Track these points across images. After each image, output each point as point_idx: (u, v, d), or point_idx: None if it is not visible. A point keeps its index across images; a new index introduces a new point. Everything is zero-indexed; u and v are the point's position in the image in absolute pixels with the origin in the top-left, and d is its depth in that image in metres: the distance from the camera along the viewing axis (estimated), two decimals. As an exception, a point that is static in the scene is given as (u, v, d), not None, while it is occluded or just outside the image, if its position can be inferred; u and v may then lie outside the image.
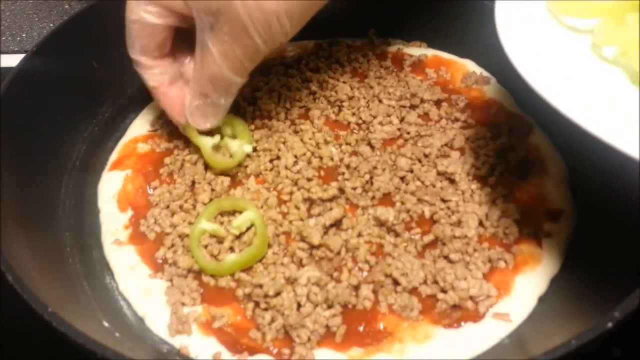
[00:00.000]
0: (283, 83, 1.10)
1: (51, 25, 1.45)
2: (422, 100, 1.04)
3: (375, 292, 0.81)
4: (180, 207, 0.92)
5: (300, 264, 0.84)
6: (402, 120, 1.02)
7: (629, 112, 0.64)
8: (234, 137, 0.98)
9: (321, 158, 0.96)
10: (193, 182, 0.96)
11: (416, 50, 1.17)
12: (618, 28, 0.71)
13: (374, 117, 1.02)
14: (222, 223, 0.89)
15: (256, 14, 0.78)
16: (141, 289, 0.85)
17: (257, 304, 0.80)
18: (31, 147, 0.92)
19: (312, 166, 0.95)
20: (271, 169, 0.96)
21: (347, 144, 0.99)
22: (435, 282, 0.81)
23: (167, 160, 0.99)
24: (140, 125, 1.08)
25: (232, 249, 0.86)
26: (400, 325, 0.78)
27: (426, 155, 0.96)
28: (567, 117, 0.61)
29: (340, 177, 0.93)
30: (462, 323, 0.78)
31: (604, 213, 0.83)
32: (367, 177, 0.93)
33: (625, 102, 0.65)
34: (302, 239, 0.85)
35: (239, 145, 0.97)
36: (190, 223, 0.90)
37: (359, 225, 0.87)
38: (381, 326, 0.78)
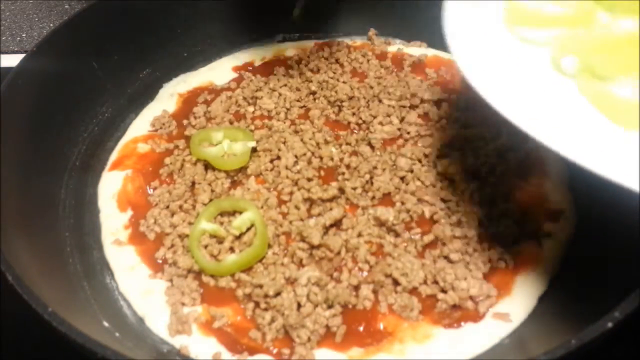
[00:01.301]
0: (283, 83, 1.10)
1: (51, 25, 1.45)
2: (422, 100, 1.04)
3: (375, 292, 0.81)
4: (180, 207, 0.92)
5: (300, 264, 0.84)
6: (402, 120, 1.02)
7: (585, 125, 0.63)
8: (235, 141, 0.99)
9: (321, 158, 0.96)
10: (193, 183, 0.96)
11: (416, 50, 1.17)
12: (579, 37, 0.70)
13: (374, 117, 1.02)
14: (222, 223, 0.89)
15: None
16: (141, 289, 0.85)
17: (257, 304, 0.80)
18: (31, 147, 0.92)
19: (312, 166, 0.95)
20: (271, 169, 0.96)
21: (347, 144, 0.99)
22: (435, 282, 0.81)
23: (167, 160, 1.00)
24: (140, 125, 1.08)
25: (232, 249, 0.86)
26: (401, 325, 0.78)
27: (426, 155, 0.96)
28: (523, 129, 0.61)
29: (340, 177, 0.93)
30: (462, 323, 0.78)
31: (604, 213, 0.83)
32: (367, 177, 0.93)
33: (581, 116, 0.65)
34: (302, 239, 0.85)
35: (242, 145, 0.97)
36: (190, 223, 0.90)
37: (359, 225, 0.87)
38: (381, 326, 0.78)
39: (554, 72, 0.70)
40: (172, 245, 0.88)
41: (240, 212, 0.89)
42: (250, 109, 1.06)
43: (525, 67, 0.71)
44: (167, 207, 0.93)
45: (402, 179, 0.93)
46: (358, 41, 1.21)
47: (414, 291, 0.81)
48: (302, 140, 0.99)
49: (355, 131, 1.02)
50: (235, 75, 1.16)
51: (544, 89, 0.68)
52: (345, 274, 0.82)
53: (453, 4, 0.75)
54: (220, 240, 0.87)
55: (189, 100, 1.11)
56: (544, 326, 0.76)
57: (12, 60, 1.14)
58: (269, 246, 0.86)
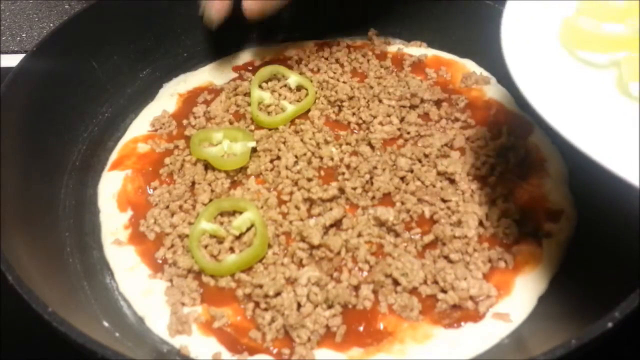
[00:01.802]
0: (283, 83, 1.10)
1: (51, 25, 1.45)
2: (422, 100, 1.04)
3: (375, 292, 0.81)
4: (180, 207, 0.92)
5: (300, 264, 0.84)
6: (402, 120, 1.02)
7: None
8: (235, 141, 0.99)
9: (321, 158, 0.96)
10: (193, 183, 0.96)
11: (416, 50, 1.17)
12: None
13: (374, 117, 1.02)
14: (222, 223, 0.89)
15: None
16: (141, 289, 0.85)
17: (257, 304, 0.81)
18: (31, 147, 0.92)
19: (312, 166, 0.95)
20: (271, 169, 0.96)
21: (347, 144, 0.99)
22: (435, 282, 0.81)
23: (167, 160, 1.00)
24: (140, 125, 1.08)
25: (232, 250, 0.86)
26: (401, 325, 0.78)
27: (426, 155, 0.96)
28: (592, 158, 0.59)
29: (340, 177, 0.93)
30: (462, 323, 0.78)
31: (604, 213, 0.83)
32: (367, 177, 0.93)
33: None
34: (302, 239, 0.85)
35: (242, 145, 0.97)
36: (190, 223, 0.90)
37: (359, 225, 0.87)
38: (381, 326, 0.78)
39: (620, 96, 0.68)
40: (172, 245, 0.88)
41: (240, 212, 0.89)
42: (250, 108, 1.06)
43: (587, 90, 0.68)
44: (167, 207, 0.93)
45: (402, 179, 0.93)
46: (358, 41, 1.21)
47: (414, 291, 0.81)
48: (302, 140, 0.99)
49: (355, 131, 1.02)
50: (235, 75, 1.16)
51: (609, 113, 0.65)
52: (345, 274, 0.82)
53: (509, 26, 0.73)
54: (220, 240, 0.87)
55: (189, 100, 1.11)
56: (544, 326, 0.76)
57: (12, 60, 1.14)
58: (269, 246, 0.86)
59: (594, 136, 0.61)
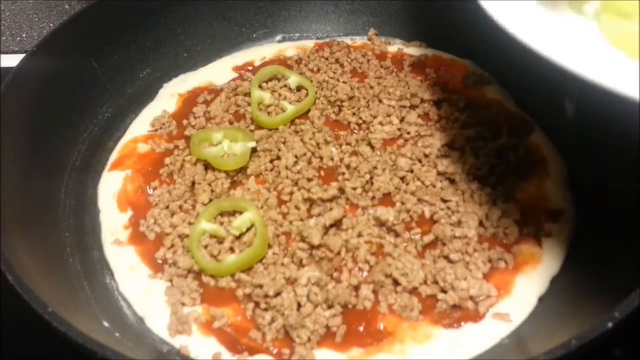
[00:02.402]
0: (283, 84, 1.10)
1: (51, 25, 1.45)
2: (422, 100, 1.04)
3: (375, 292, 0.81)
4: (180, 207, 0.92)
5: (300, 264, 0.84)
6: (402, 120, 1.02)
7: (602, 52, 0.68)
8: (235, 141, 0.99)
9: (321, 158, 0.96)
10: (193, 183, 0.96)
11: (416, 50, 1.17)
12: None
13: (374, 117, 1.02)
14: (222, 223, 0.89)
15: None
16: (141, 289, 0.85)
17: (257, 304, 0.80)
18: (31, 147, 0.92)
19: (312, 166, 0.95)
20: (271, 169, 0.96)
21: (347, 144, 0.99)
22: (435, 282, 0.81)
23: (167, 160, 0.99)
24: (140, 125, 1.08)
25: (232, 250, 0.86)
26: (401, 326, 0.78)
27: (426, 155, 0.96)
28: (543, 55, 0.63)
29: (340, 177, 0.93)
30: (462, 323, 0.78)
31: (604, 213, 0.83)
32: (367, 177, 0.93)
33: (599, 47, 0.69)
34: (302, 239, 0.85)
35: (242, 145, 0.97)
36: (190, 223, 0.90)
37: (359, 225, 0.87)
38: (381, 326, 0.78)
39: (576, 15, 0.74)
40: (172, 245, 0.88)
41: (240, 212, 0.89)
42: (250, 109, 1.06)
43: (546, 10, 0.74)
44: (167, 207, 0.93)
45: (402, 179, 0.93)
46: (358, 41, 1.21)
47: (414, 291, 0.81)
48: (302, 140, 0.99)
49: (355, 131, 1.02)
50: (235, 75, 1.16)
51: (565, 25, 0.72)
52: (345, 274, 0.82)
53: None
54: (220, 241, 0.87)
55: (189, 100, 1.11)
56: (544, 326, 0.76)
57: (12, 60, 1.14)
58: (269, 246, 0.86)
59: (547, 37, 0.67)
